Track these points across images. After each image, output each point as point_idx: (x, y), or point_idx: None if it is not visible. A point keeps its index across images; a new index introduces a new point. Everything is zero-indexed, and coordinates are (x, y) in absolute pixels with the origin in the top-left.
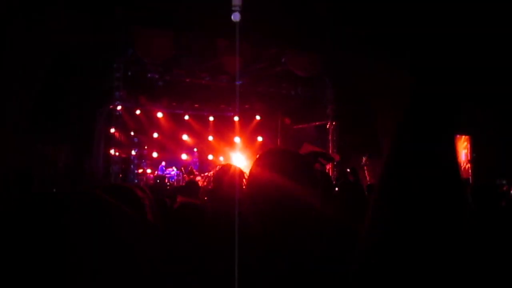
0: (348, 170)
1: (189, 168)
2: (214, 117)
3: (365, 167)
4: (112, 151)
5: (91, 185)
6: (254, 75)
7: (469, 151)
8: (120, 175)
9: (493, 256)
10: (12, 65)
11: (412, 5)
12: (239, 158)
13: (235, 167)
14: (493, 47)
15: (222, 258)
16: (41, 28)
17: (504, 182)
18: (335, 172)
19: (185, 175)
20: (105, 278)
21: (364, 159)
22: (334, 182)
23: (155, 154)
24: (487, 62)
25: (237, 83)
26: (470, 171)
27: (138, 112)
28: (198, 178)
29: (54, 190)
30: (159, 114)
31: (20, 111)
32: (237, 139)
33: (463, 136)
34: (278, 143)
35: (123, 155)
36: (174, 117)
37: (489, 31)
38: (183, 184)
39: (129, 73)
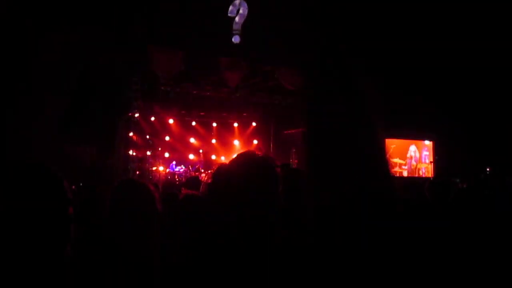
0: None
1: (196, 167)
2: (217, 123)
3: None
4: (130, 152)
5: (113, 180)
6: (250, 88)
7: (432, 153)
8: (137, 172)
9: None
10: (47, 79)
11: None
12: None
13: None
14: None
15: (217, 241)
16: (71, 47)
17: (458, 180)
18: None
19: (192, 172)
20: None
21: None
22: None
23: (167, 154)
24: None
25: (237, 94)
26: (432, 171)
27: (152, 118)
28: (203, 174)
29: (81, 184)
30: (171, 121)
31: (54, 118)
32: (236, 142)
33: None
34: (271, 146)
35: (140, 155)
36: (183, 123)
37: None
38: None
39: (145, 86)
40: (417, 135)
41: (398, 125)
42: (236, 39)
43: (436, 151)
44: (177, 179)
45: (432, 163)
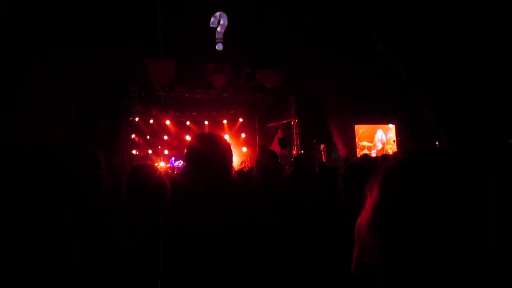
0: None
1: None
2: (208, 121)
3: (320, 150)
4: (133, 151)
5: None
6: (235, 88)
7: (395, 135)
8: None
9: None
10: (57, 92)
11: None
12: None
13: None
14: None
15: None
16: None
17: None
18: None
19: None
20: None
21: (315, 143)
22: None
23: (166, 152)
24: None
25: (224, 95)
26: (397, 150)
27: (151, 121)
28: None
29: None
30: (167, 122)
31: (65, 123)
32: (226, 137)
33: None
34: (257, 137)
35: (142, 154)
36: (179, 123)
37: None
38: None
39: (143, 93)
40: (382, 119)
41: (365, 113)
42: (219, 47)
43: (398, 133)
44: (176, 172)
45: (395, 142)
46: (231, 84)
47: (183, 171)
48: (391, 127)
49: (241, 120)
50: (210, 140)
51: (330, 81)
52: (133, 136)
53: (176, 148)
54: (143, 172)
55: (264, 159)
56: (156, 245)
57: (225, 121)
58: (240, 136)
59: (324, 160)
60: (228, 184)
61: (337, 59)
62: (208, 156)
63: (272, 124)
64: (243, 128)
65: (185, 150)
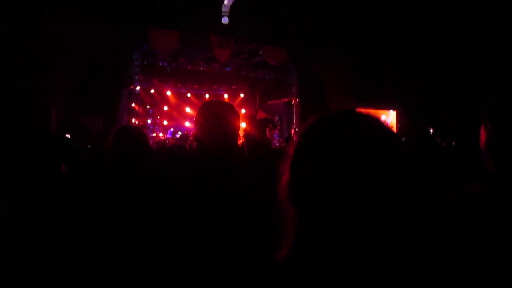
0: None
1: (191, 133)
2: (209, 95)
3: None
4: (133, 120)
5: None
6: (238, 63)
7: (396, 122)
8: None
9: None
10: (59, 57)
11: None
12: None
13: None
14: None
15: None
16: (78, 31)
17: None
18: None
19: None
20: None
21: None
22: None
23: (165, 122)
24: None
25: (227, 69)
26: None
27: (152, 91)
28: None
29: (89, 146)
30: (168, 93)
31: (66, 92)
32: None
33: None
34: (257, 114)
35: (141, 123)
36: (179, 95)
37: None
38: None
39: (145, 62)
40: (384, 106)
41: (367, 98)
42: (225, 20)
43: (399, 119)
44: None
45: (395, 128)
46: (234, 59)
47: (192, 134)
48: (392, 113)
49: (242, 95)
50: (220, 107)
51: (333, 62)
52: (133, 105)
53: (175, 120)
54: (129, 130)
55: (251, 129)
56: (136, 202)
57: (226, 96)
58: (240, 111)
59: None
60: (233, 151)
61: (342, 41)
62: (216, 122)
63: (272, 102)
64: (244, 103)
65: (196, 114)
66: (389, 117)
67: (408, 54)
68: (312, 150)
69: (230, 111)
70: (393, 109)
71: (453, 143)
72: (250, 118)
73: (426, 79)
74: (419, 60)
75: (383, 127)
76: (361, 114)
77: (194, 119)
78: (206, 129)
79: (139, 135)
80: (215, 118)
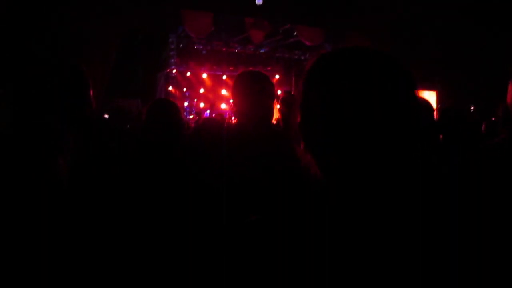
0: None
1: (227, 115)
2: None
3: None
4: None
5: None
6: (273, 44)
7: (436, 102)
8: None
9: None
10: (96, 41)
11: None
12: None
13: None
14: None
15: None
16: (115, 16)
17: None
18: None
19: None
20: None
21: None
22: None
23: (201, 105)
24: None
25: (261, 50)
26: (436, 116)
27: (188, 74)
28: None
29: (128, 126)
30: (204, 75)
31: (104, 75)
32: None
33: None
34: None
35: (178, 105)
36: (215, 77)
37: None
38: None
39: (181, 45)
40: (423, 86)
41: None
42: (259, 1)
43: (439, 100)
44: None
45: (436, 110)
46: (269, 39)
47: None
48: (432, 93)
49: (277, 76)
50: (257, 75)
51: (370, 42)
52: (170, 88)
53: (211, 101)
54: (161, 101)
55: (285, 109)
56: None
57: None
58: (276, 92)
59: None
60: (270, 118)
61: (380, 20)
62: (254, 89)
63: None
64: (279, 84)
65: (233, 83)
66: (430, 98)
67: (448, 33)
68: (314, 85)
69: (266, 79)
70: (433, 90)
71: (493, 118)
72: (285, 93)
73: (466, 60)
74: (459, 39)
75: (393, 65)
76: (368, 49)
77: (232, 87)
78: (246, 96)
79: (171, 105)
80: (255, 84)
